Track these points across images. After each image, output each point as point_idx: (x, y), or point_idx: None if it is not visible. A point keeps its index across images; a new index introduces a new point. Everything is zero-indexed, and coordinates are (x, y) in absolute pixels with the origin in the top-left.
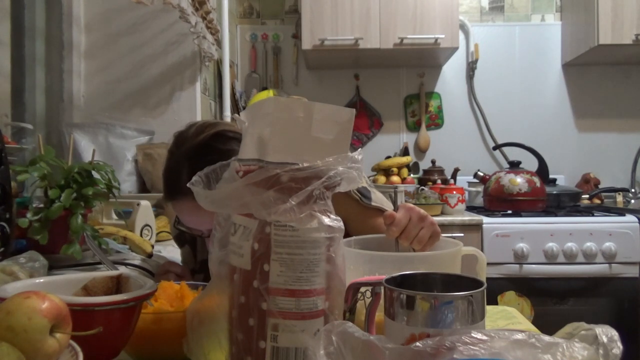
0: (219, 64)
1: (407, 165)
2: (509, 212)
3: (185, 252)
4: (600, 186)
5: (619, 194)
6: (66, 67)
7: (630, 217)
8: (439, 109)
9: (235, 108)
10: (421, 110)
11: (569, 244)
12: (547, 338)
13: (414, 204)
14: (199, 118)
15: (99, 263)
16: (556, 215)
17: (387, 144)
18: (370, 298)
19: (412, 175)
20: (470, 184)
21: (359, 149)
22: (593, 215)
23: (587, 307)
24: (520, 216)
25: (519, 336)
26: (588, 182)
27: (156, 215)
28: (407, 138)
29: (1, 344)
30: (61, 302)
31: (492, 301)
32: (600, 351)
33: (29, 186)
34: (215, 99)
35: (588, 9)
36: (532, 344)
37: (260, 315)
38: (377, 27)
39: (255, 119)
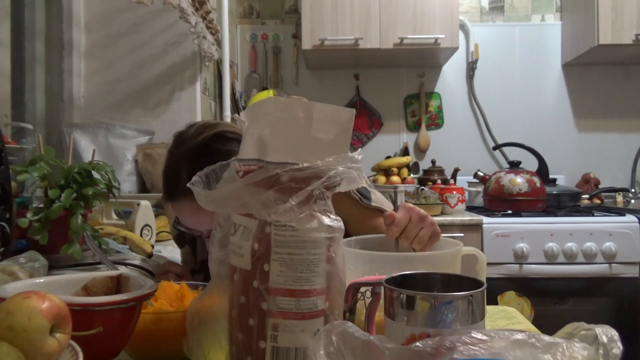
0: (219, 64)
1: (407, 165)
2: (509, 212)
3: (185, 252)
4: (600, 186)
5: (619, 194)
6: (66, 67)
7: (630, 217)
8: (439, 109)
9: (235, 108)
10: (421, 110)
11: (569, 244)
12: (547, 338)
13: (414, 204)
14: (199, 118)
15: (99, 263)
16: (556, 215)
17: (387, 144)
18: (370, 298)
19: (412, 175)
20: (470, 184)
21: (359, 149)
22: (593, 215)
23: (587, 307)
24: (520, 216)
25: (519, 336)
26: (588, 182)
27: (156, 215)
28: (407, 138)
29: (1, 344)
30: (61, 302)
31: (492, 301)
32: (600, 351)
33: (29, 186)
34: (215, 99)
35: (588, 9)
36: (532, 344)
37: (260, 315)
38: (377, 27)
39: (255, 119)
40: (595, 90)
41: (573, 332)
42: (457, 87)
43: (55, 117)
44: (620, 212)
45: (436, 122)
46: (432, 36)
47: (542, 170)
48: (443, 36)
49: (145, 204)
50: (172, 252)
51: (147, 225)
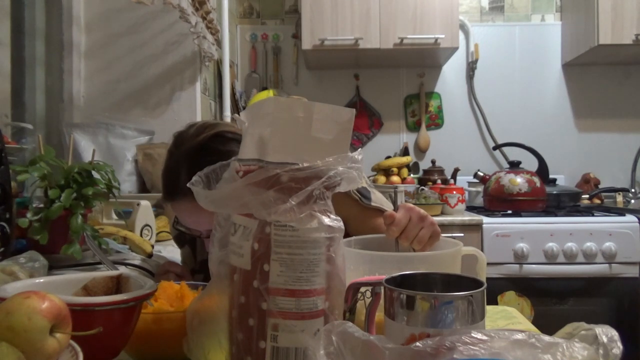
0: (219, 64)
1: (407, 165)
2: (509, 212)
3: (185, 252)
4: (600, 186)
5: (619, 194)
6: (66, 67)
7: (630, 217)
8: (439, 109)
9: (235, 108)
10: (421, 110)
11: (569, 244)
12: (547, 338)
13: (414, 204)
14: (199, 118)
15: (99, 263)
16: (556, 215)
17: (387, 144)
18: (370, 298)
19: (412, 175)
20: (470, 184)
21: (359, 149)
22: (593, 215)
23: (587, 307)
24: (520, 216)
25: (519, 336)
26: (588, 182)
27: (156, 215)
28: (407, 138)
29: (1, 344)
30: (61, 302)
31: (492, 301)
32: (600, 351)
33: (29, 186)
34: (215, 99)
35: (588, 9)
36: (532, 344)
37: (260, 315)
38: (377, 27)
39: (255, 119)
40: (595, 90)
41: (573, 332)
42: (457, 87)
43: (55, 117)
44: (620, 212)
45: (436, 122)
46: (432, 36)
47: (542, 170)
48: (443, 36)
49: (145, 204)
50: (172, 252)
51: (147, 225)
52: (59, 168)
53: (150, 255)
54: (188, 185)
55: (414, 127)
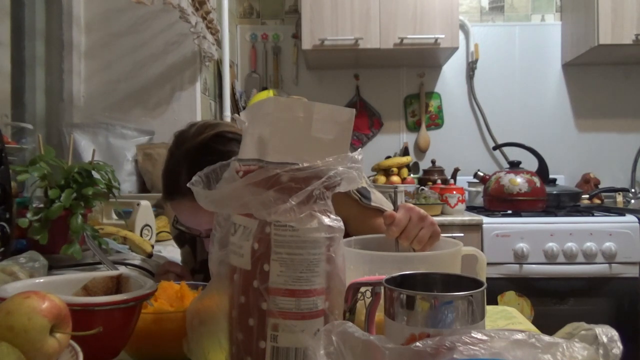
0: (219, 64)
1: (407, 165)
2: (509, 212)
3: (185, 252)
4: (600, 186)
5: (619, 194)
6: (66, 67)
7: (630, 217)
8: (439, 109)
9: (235, 108)
10: (421, 110)
11: (569, 244)
12: (547, 338)
13: (414, 204)
14: (199, 118)
15: (99, 263)
16: (556, 215)
17: (387, 144)
18: (370, 298)
19: (412, 175)
20: (470, 184)
21: (359, 149)
22: (593, 215)
23: (587, 307)
24: (520, 216)
25: (519, 336)
26: (588, 182)
27: (156, 215)
28: (407, 138)
29: (1, 344)
30: (61, 302)
31: (492, 301)
32: (600, 351)
33: (29, 186)
34: (215, 99)
35: (588, 9)
36: (532, 344)
37: (260, 315)
38: (377, 27)
39: (255, 119)
40: (595, 90)
41: (573, 332)
42: (457, 87)
43: (55, 117)
44: (620, 212)
45: (436, 122)
46: (432, 36)
47: (542, 170)
48: (443, 36)
49: (145, 204)
50: (172, 252)
51: (147, 225)
52: (59, 168)
53: (150, 255)
54: (188, 185)
55: (414, 127)
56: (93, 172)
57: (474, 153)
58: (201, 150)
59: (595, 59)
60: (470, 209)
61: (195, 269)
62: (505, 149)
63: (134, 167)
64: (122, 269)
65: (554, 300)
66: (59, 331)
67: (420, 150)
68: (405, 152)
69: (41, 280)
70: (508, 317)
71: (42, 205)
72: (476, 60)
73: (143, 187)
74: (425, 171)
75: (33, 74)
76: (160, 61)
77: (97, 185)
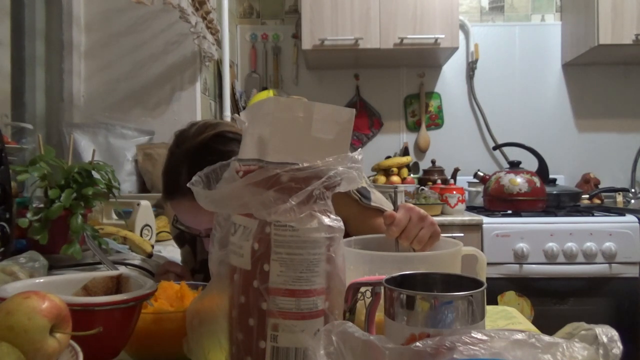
0: (219, 64)
1: (407, 165)
2: (509, 212)
3: (185, 252)
4: (600, 186)
5: (619, 194)
6: (66, 67)
7: (630, 217)
8: (439, 109)
9: (235, 108)
10: (421, 110)
11: (569, 244)
12: (547, 338)
13: (414, 204)
14: (199, 118)
15: (99, 263)
16: (556, 215)
17: (387, 144)
18: (370, 298)
19: (412, 175)
20: (470, 184)
21: (359, 149)
22: (593, 215)
23: (587, 307)
24: (520, 216)
25: (519, 336)
26: (588, 182)
27: (156, 215)
28: (407, 138)
29: (1, 344)
30: (61, 302)
31: (492, 301)
32: (600, 351)
33: (29, 186)
34: (215, 99)
35: (588, 9)
36: (532, 344)
37: (260, 315)
38: (377, 27)
39: (255, 119)
40: (595, 90)
41: (573, 332)
42: (457, 87)
43: (55, 117)
44: (620, 212)
45: (436, 122)
46: (432, 36)
47: (542, 170)
48: (443, 36)
49: (145, 204)
50: (172, 252)
51: (147, 225)
52: (59, 168)
53: (150, 255)
54: (188, 185)
55: (414, 127)
56: (93, 172)
57: (474, 153)
58: (201, 150)
59: (595, 59)
60: (470, 209)
61: (195, 269)
62: (505, 149)
63: (134, 167)
64: (122, 269)
65: (554, 300)
66: (59, 331)
67: (420, 150)
68: (405, 152)
69: (41, 280)
70: (508, 317)
71: (42, 205)
72: (476, 60)
73: (143, 187)
74: (425, 171)
75: (33, 74)
76: (160, 61)
77: (97, 185)
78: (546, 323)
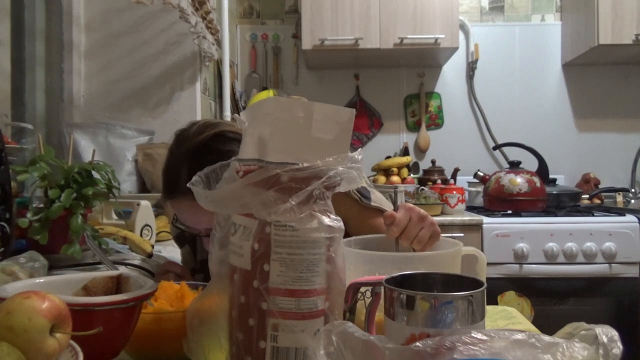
0: (219, 64)
1: (407, 165)
2: (509, 212)
3: (185, 252)
4: (600, 186)
5: (619, 194)
6: (66, 67)
7: (630, 217)
8: (439, 109)
9: (235, 108)
10: (421, 110)
11: (569, 244)
12: (547, 338)
13: (414, 204)
14: (199, 118)
15: (99, 263)
16: (556, 215)
17: (387, 144)
18: (370, 298)
19: (412, 175)
20: (470, 184)
21: (359, 149)
22: (593, 215)
23: (587, 307)
24: (520, 216)
25: (519, 336)
26: (588, 182)
27: (156, 215)
28: (407, 138)
29: (1, 344)
30: (61, 302)
31: (492, 301)
32: (600, 351)
33: (29, 186)
34: (215, 99)
35: (588, 9)
36: (532, 344)
37: (260, 315)
38: (377, 27)
39: (255, 119)
40: (595, 90)
41: (573, 332)
42: (457, 87)
43: (55, 117)
44: (620, 212)
45: (436, 122)
46: (432, 36)
47: (542, 170)
48: (443, 36)
49: (145, 204)
50: (172, 252)
51: (147, 225)
52: (59, 168)
53: (150, 255)
54: (188, 185)
55: (414, 127)
56: (93, 172)
57: (474, 153)
58: (201, 150)
59: (595, 59)
60: (470, 209)
61: (195, 269)
62: (505, 149)
63: (134, 167)
64: (122, 269)
65: (554, 300)
66: (59, 331)
67: (420, 150)
68: (405, 152)
69: (41, 280)
70: (508, 317)
71: (42, 205)
72: (476, 60)
73: (143, 187)
74: (425, 171)
75: (33, 74)
76: (160, 61)
77: (97, 185)
78: (546, 323)
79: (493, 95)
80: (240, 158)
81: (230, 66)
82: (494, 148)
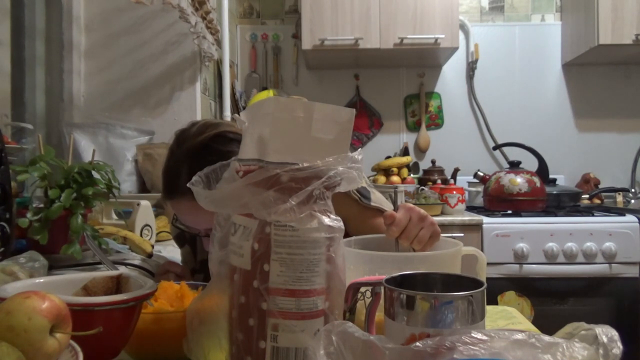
0: (219, 64)
1: (407, 165)
2: (509, 212)
3: (185, 252)
4: (600, 186)
5: (619, 194)
6: (66, 67)
7: (630, 217)
8: (439, 109)
9: (235, 108)
10: (421, 110)
11: (569, 244)
12: (547, 338)
13: (414, 204)
14: (199, 118)
15: (99, 263)
16: (556, 215)
17: (387, 144)
18: (370, 298)
19: (412, 175)
20: (470, 184)
21: (359, 149)
22: (593, 215)
23: (587, 307)
24: (520, 216)
25: (519, 336)
26: (588, 182)
27: (156, 215)
28: (407, 138)
29: (1, 344)
30: (61, 302)
31: (492, 301)
32: (600, 351)
33: (29, 186)
34: (215, 99)
35: (588, 9)
36: (532, 344)
37: (260, 315)
38: (377, 27)
39: (255, 119)
40: (595, 90)
41: (573, 332)
42: (457, 87)
43: (55, 117)
44: (620, 212)
45: (436, 122)
46: (432, 36)
47: (542, 170)
48: (443, 36)
49: (145, 204)
50: (172, 252)
51: (147, 225)
52: (59, 168)
53: (150, 255)
54: (188, 185)
55: (414, 127)
56: (93, 172)
57: (474, 153)
58: (202, 150)
59: (595, 59)
60: (470, 209)
61: (195, 269)
62: (505, 149)
63: (134, 167)
64: (122, 269)
65: (554, 300)
66: (59, 331)
67: (420, 150)
68: (405, 152)
69: (41, 280)
70: (508, 317)
71: (42, 205)
72: (476, 60)
73: (143, 187)
74: (425, 171)
75: (33, 73)
76: (160, 61)
77: (97, 185)
78: (546, 323)
79: (493, 95)
80: (240, 158)
81: (230, 66)
82: (494, 148)
